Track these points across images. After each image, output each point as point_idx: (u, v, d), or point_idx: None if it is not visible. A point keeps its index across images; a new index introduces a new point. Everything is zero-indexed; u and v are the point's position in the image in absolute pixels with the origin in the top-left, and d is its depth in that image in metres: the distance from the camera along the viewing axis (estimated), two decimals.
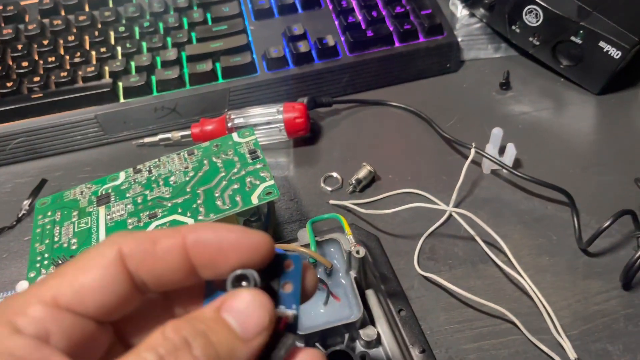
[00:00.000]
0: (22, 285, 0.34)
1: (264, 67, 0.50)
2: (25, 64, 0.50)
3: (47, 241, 0.36)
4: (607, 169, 0.44)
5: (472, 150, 0.43)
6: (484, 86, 0.51)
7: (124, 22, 0.54)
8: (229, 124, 0.45)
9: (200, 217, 0.34)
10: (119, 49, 0.52)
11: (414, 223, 0.42)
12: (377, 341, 0.34)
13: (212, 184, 0.36)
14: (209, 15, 0.54)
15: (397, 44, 0.51)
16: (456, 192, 0.41)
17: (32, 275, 0.34)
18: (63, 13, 0.55)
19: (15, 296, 0.19)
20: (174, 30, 0.53)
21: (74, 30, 0.54)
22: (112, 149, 0.49)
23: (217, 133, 0.45)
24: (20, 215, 0.44)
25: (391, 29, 0.51)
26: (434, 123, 0.47)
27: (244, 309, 0.19)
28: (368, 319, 0.34)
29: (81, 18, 0.54)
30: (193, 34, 0.52)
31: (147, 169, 0.39)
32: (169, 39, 0.52)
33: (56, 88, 0.49)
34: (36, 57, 0.52)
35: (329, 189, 0.44)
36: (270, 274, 0.20)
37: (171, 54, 0.50)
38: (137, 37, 0.53)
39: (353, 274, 0.35)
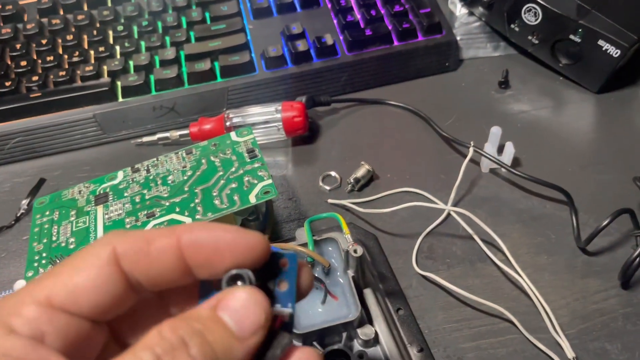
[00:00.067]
0: (20, 284, 0.34)
1: (263, 66, 0.50)
2: (23, 63, 0.50)
3: (45, 240, 0.36)
4: (605, 168, 0.44)
5: (471, 149, 0.43)
6: (482, 85, 0.51)
7: (122, 21, 0.54)
8: (228, 123, 0.45)
9: (198, 217, 0.34)
10: (117, 48, 0.52)
11: (413, 222, 0.42)
12: (375, 340, 0.34)
13: (210, 183, 0.36)
14: (207, 14, 0.54)
15: (395, 43, 0.51)
16: (454, 191, 0.41)
17: (30, 274, 0.34)
18: (62, 12, 0.55)
19: (8, 297, 0.18)
20: (172, 29, 0.53)
21: (73, 30, 0.54)
22: (111, 148, 0.49)
23: (216, 132, 0.45)
24: (18, 215, 0.44)
25: (390, 27, 0.51)
26: (433, 122, 0.47)
27: (240, 308, 0.18)
28: (366, 318, 0.34)
29: (80, 17, 0.54)
30: (192, 33, 0.52)
31: (145, 168, 0.39)
32: (167, 38, 0.52)
33: (55, 87, 0.49)
34: (35, 57, 0.52)
35: (328, 188, 0.44)
36: (265, 272, 0.20)
37: (170, 53, 0.50)
38: (136, 36, 0.53)
39: (351, 273, 0.35)
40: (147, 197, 0.37)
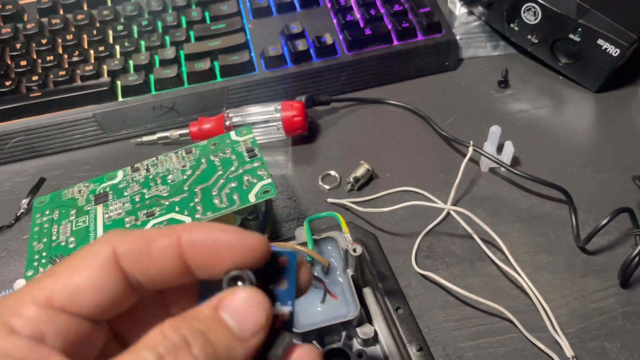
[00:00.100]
0: (20, 283, 0.34)
1: (262, 65, 0.50)
2: (23, 63, 0.50)
3: (45, 240, 0.36)
4: (605, 167, 0.44)
5: (470, 148, 0.43)
6: (482, 84, 0.51)
7: (122, 20, 0.54)
8: (227, 123, 0.45)
9: (197, 216, 0.34)
10: (117, 47, 0.52)
11: (412, 221, 0.42)
12: (375, 339, 0.34)
13: (209, 183, 0.36)
14: (207, 14, 0.54)
15: (395, 42, 0.51)
16: (454, 190, 0.41)
17: (29, 273, 0.34)
18: (62, 12, 0.55)
19: (8, 296, 0.18)
20: (172, 29, 0.53)
21: (73, 29, 0.54)
22: (111, 147, 0.49)
23: (215, 131, 0.45)
24: (18, 214, 0.44)
25: (389, 27, 0.51)
26: (432, 121, 0.47)
27: (241, 308, 0.19)
28: (365, 317, 0.34)
29: (80, 17, 0.54)
30: (191, 33, 0.52)
31: (145, 167, 0.39)
32: (167, 38, 0.52)
33: (55, 87, 0.49)
34: (35, 56, 0.52)
35: (327, 187, 0.44)
36: (265, 271, 0.20)
37: (169, 52, 0.50)
38: (136, 35, 0.53)
39: (350, 272, 0.35)
40: (146, 196, 0.37)
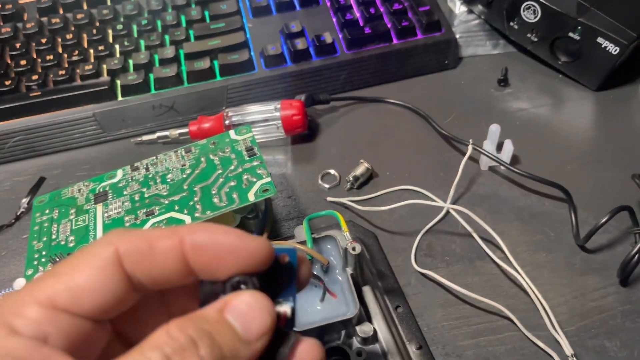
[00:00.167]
0: (20, 282, 0.34)
1: (262, 64, 0.50)
2: (23, 62, 0.50)
3: (44, 239, 0.36)
4: (604, 165, 0.44)
5: (470, 147, 0.43)
6: (482, 83, 0.51)
7: (122, 20, 0.54)
8: (227, 122, 0.46)
9: (197, 215, 0.35)
10: (117, 47, 0.52)
11: (412, 220, 0.42)
12: (374, 338, 0.34)
13: (209, 182, 0.36)
14: (206, 13, 0.54)
15: (395, 41, 0.51)
16: (453, 188, 0.41)
17: (29, 272, 0.34)
18: (61, 11, 0.55)
19: (9, 296, 0.18)
20: (171, 28, 0.53)
21: (72, 29, 0.54)
22: (110, 147, 0.49)
23: (215, 131, 0.45)
24: (18, 213, 0.44)
25: (389, 25, 0.51)
26: (432, 120, 0.47)
27: (246, 312, 0.19)
28: (364, 316, 0.34)
29: (79, 16, 0.54)
30: (191, 32, 0.52)
31: (145, 166, 0.39)
32: (166, 37, 0.52)
33: (54, 86, 0.49)
34: (34, 56, 0.52)
35: (327, 186, 0.44)
36: (267, 271, 0.20)
37: (169, 51, 0.50)
38: (135, 35, 0.53)
39: (349, 270, 0.35)
40: (146, 195, 0.37)
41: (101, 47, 0.51)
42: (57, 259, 0.34)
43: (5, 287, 0.40)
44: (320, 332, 0.33)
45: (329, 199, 0.43)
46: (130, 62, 0.50)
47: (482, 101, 0.49)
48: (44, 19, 0.54)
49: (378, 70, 0.51)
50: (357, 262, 0.34)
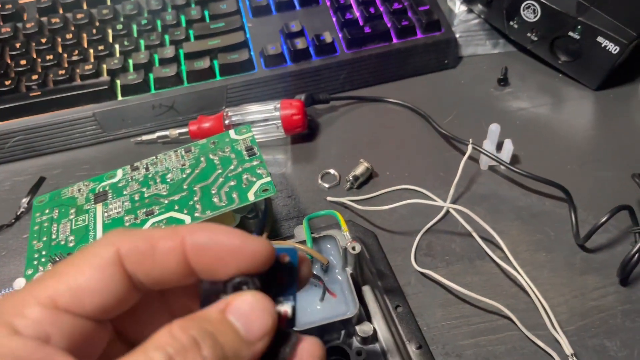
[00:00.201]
0: (20, 282, 0.34)
1: (262, 64, 0.50)
2: (23, 62, 0.51)
3: (44, 239, 0.36)
4: (604, 165, 0.44)
5: (470, 147, 0.43)
6: (481, 82, 0.51)
7: (121, 19, 0.54)
8: (227, 121, 0.46)
9: (196, 214, 0.35)
10: (116, 46, 0.52)
11: (411, 219, 0.42)
12: (374, 337, 0.34)
13: (208, 181, 0.36)
14: (206, 13, 0.54)
15: (394, 41, 0.51)
16: (453, 188, 0.41)
17: (29, 272, 0.34)
18: (61, 11, 0.55)
19: (9, 297, 0.18)
20: (171, 28, 0.53)
21: (72, 29, 0.54)
22: (110, 146, 0.49)
23: (215, 130, 0.45)
24: (18, 213, 0.44)
25: (389, 25, 0.51)
26: (432, 119, 0.47)
27: (248, 313, 0.19)
28: (364, 315, 0.34)
29: (79, 16, 0.54)
30: (191, 32, 0.52)
31: (145, 166, 0.39)
32: (166, 37, 0.52)
33: (54, 86, 0.49)
34: (34, 56, 0.52)
35: (327, 185, 0.44)
36: (268, 272, 0.20)
37: (169, 51, 0.50)
38: (135, 34, 0.53)
39: (349, 270, 0.35)
40: (146, 195, 0.37)
41: (101, 47, 0.51)
42: (57, 259, 0.34)
43: (5, 287, 0.40)
44: (320, 332, 0.33)
45: (328, 198, 0.43)
46: (130, 61, 0.50)
47: (482, 101, 0.49)
48: (44, 19, 0.54)
49: (378, 69, 0.51)
50: (356, 262, 0.34)
